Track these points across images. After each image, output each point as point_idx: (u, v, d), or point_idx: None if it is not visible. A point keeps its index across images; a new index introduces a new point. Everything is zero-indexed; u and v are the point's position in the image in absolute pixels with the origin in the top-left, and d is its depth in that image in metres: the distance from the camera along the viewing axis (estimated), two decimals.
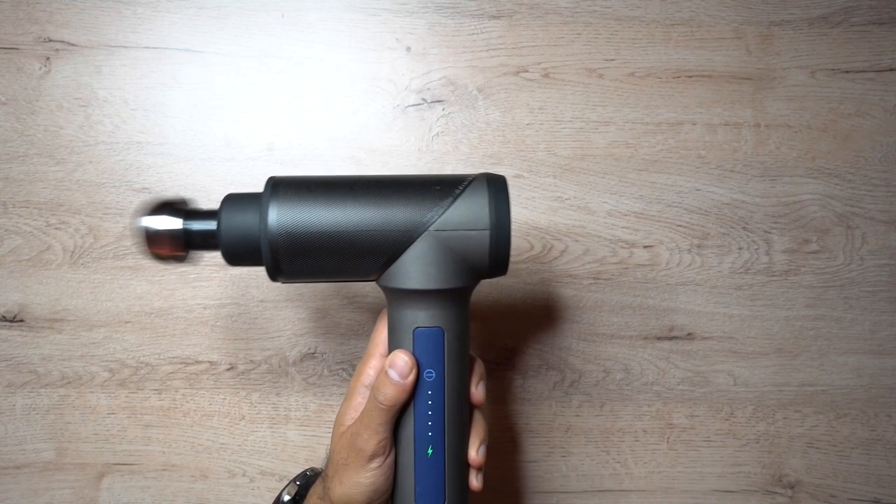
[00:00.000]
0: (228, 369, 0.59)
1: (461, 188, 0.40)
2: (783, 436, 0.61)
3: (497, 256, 0.40)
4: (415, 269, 0.40)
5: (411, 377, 0.41)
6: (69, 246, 0.58)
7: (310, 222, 0.39)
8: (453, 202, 0.40)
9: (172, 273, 0.59)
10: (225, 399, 0.60)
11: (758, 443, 0.61)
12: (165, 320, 0.59)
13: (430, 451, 0.42)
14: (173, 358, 0.59)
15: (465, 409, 0.43)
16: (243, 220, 0.40)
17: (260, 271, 0.59)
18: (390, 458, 0.42)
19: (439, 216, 0.40)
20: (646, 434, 0.61)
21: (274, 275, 0.41)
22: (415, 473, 0.42)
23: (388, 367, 0.41)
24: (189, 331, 0.59)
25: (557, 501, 0.61)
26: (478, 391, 0.44)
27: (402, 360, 0.41)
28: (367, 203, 0.40)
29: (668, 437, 0.61)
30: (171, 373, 0.59)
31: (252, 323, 0.59)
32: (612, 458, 0.61)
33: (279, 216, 0.39)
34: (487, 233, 0.40)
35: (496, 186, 0.41)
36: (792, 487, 0.62)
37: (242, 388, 0.60)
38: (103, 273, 0.58)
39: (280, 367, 0.60)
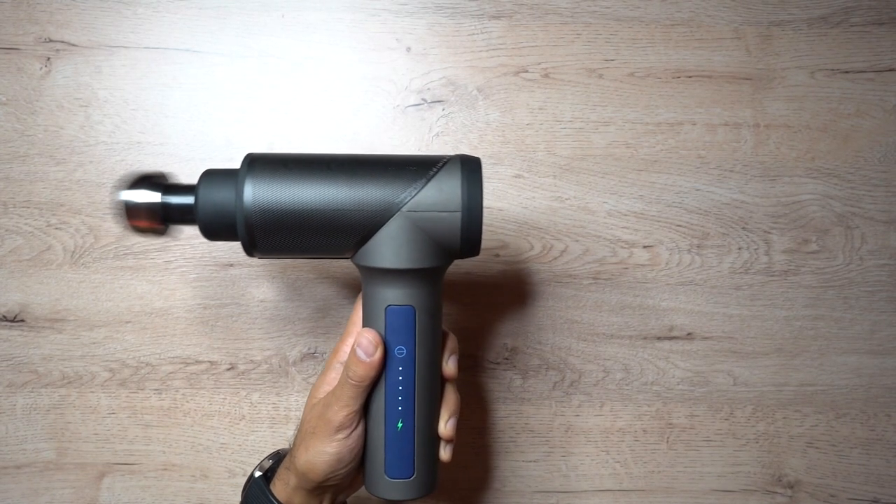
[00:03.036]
0: (228, 369, 0.59)
1: (435, 169, 0.41)
2: (783, 436, 0.61)
3: (468, 238, 0.41)
4: (387, 248, 0.41)
5: (377, 355, 0.42)
6: (69, 246, 0.58)
7: (284, 199, 0.40)
8: (427, 183, 0.41)
9: (172, 273, 0.59)
10: (225, 399, 0.60)
11: (757, 443, 0.61)
12: (165, 320, 0.59)
13: (399, 425, 0.43)
14: (173, 358, 0.59)
15: (436, 385, 0.45)
16: (220, 196, 0.41)
17: (258, 271, 0.59)
18: (357, 432, 0.43)
19: (412, 197, 0.40)
20: (646, 434, 0.61)
21: (249, 250, 0.42)
22: (385, 446, 0.43)
23: (356, 346, 0.42)
24: (189, 331, 0.59)
25: (557, 501, 0.61)
26: (448, 365, 0.45)
27: (366, 338, 0.42)
28: (341, 182, 0.41)
29: (668, 437, 0.61)
30: (172, 373, 0.59)
31: (252, 323, 0.59)
32: (612, 458, 0.61)
33: (254, 192, 0.40)
34: (459, 214, 0.40)
35: (469, 168, 0.41)
36: (792, 487, 0.62)
37: (242, 388, 0.60)
38: (104, 273, 0.58)
39: (280, 367, 0.60)
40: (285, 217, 0.40)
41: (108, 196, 0.58)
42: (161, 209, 0.42)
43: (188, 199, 0.41)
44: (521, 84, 0.60)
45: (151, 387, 0.59)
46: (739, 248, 0.61)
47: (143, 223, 0.42)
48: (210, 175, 0.42)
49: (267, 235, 0.41)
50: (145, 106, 0.58)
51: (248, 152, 0.42)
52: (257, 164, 0.41)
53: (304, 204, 0.40)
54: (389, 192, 0.40)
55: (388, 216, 0.40)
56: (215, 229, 0.42)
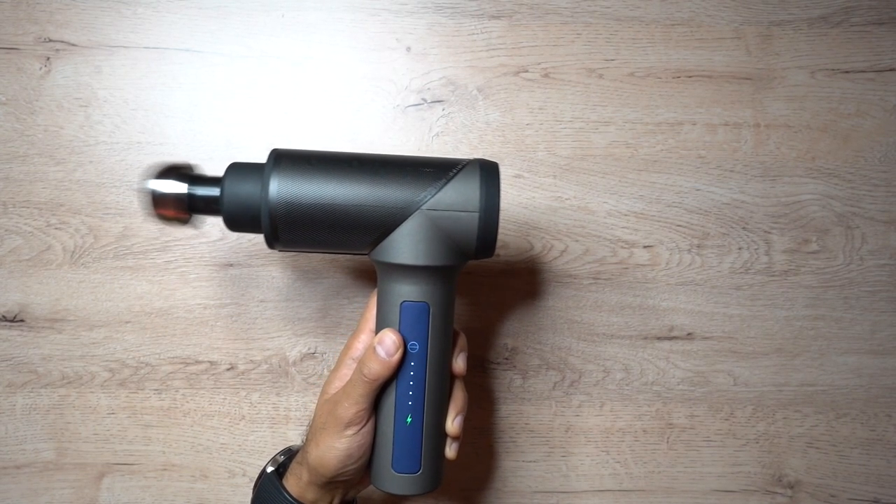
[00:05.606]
0: (228, 369, 0.59)
1: (455, 171, 0.42)
2: (783, 436, 0.61)
3: (484, 239, 0.42)
4: (405, 245, 0.42)
5: (397, 356, 0.42)
6: (69, 246, 0.58)
7: (309, 195, 0.41)
8: (446, 184, 0.42)
9: (172, 273, 0.59)
10: (225, 399, 0.60)
11: (758, 443, 0.61)
12: (165, 320, 0.59)
13: (408, 420, 0.44)
14: (173, 358, 0.59)
15: (445, 382, 0.45)
16: (245, 189, 0.42)
17: (258, 272, 0.59)
18: (366, 428, 0.43)
19: (432, 196, 0.41)
20: (646, 434, 0.61)
21: (271, 242, 0.43)
22: (393, 440, 0.44)
23: (377, 344, 0.42)
24: (189, 331, 0.59)
25: (557, 501, 0.61)
26: (458, 363, 0.46)
27: (390, 338, 0.42)
28: (364, 180, 0.42)
29: (668, 437, 0.61)
30: (171, 373, 0.59)
31: (252, 323, 0.59)
32: (612, 458, 0.61)
33: (280, 188, 0.41)
34: (477, 215, 0.42)
35: (488, 172, 0.43)
36: (792, 487, 0.62)
37: (242, 388, 0.60)
38: (103, 273, 0.58)
39: (280, 367, 0.60)
40: (309, 212, 0.41)
41: (111, 194, 0.58)
42: (187, 199, 0.43)
43: (214, 191, 0.43)
44: (521, 84, 0.60)
45: (151, 387, 0.59)
46: (739, 248, 0.61)
47: (169, 212, 0.43)
48: (236, 168, 0.43)
49: (290, 229, 0.42)
50: (145, 106, 0.58)
51: (273, 147, 0.43)
52: (283, 159, 0.42)
53: (327, 200, 0.41)
54: (410, 191, 0.41)
55: (408, 214, 0.41)
56: (239, 221, 0.43)
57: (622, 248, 0.60)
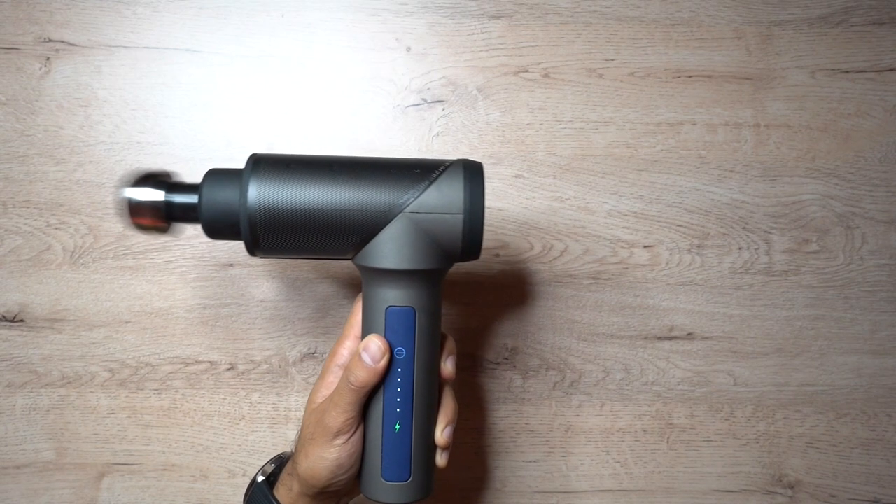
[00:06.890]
0: (228, 369, 0.59)
1: (438, 172, 0.41)
2: (783, 436, 0.61)
3: (470, 241, 0.41)
4: (389, 249, 0.41)
5: (383, 362, 0.42)
6: (69, 246, 0.58)
7: (288, 200, 0.40)
8: (429, 186, 0.41)
9: (172, 273, 0.59)
10: (225, 399, 0.60)
11: (758, 443, 0.61)
12: (165, 320, 0.59)
13: (397, 427, 0.43)
14: (173, 358, 0.59)
15: (433, 388, 0.45)
16: (224, 196, 0.41)
17: (258, 271, 0.59)
18: (356, 437, 0.43)
19: (415, 199, 0.41)
20: (646, 434, 0.61)
21: (252, 249, 0.42)
22: (382, 447, 0.43)
23: (362, 350, 0.42)
24: (189, 331, 0.59)
25: (557, 501, 0.61)
26: (446, 366, 0.45)
27: (375, 344, 0.42)
28: (345, 183, 0.41)
29: (668, 437, 0.61)
30: (171, 373, 0.59)
31: (252, 323, 0.59)
32: (612, 458, 0.61)
33: (259, 193, 0.40)
34: (461, 217, 0.41)
35: (472, 172, 0.42)
36: (792, 487, 0.62)
37: (242, 388, 0.60)
38: (103, 273, 0.58)
39: (280, 367, 0.60)
40: (289, 217, 0.40)
41: (111, 194, 0.58)
42: (165, 207, 0.42)
43: (192, 199, 0.42)
44: (521, 84, 0.60)
45: (151, 387, 0.59)
46: (740, 248, 0.61)
47: (147, 221, 0.42)
48: (214, 174, 0.42)
49: (270, 235, 0.41)
50: (145, 106, 0.58)
51: (252, 152, 0.43)
52: (262, 164, 0.41)
53: (307, 204, 0.40)
54: (392, 194, 0.41)
55: (391, 217, 0.41)
56: (218, 228, 0.42)
57: (622, 248, 0.60)
